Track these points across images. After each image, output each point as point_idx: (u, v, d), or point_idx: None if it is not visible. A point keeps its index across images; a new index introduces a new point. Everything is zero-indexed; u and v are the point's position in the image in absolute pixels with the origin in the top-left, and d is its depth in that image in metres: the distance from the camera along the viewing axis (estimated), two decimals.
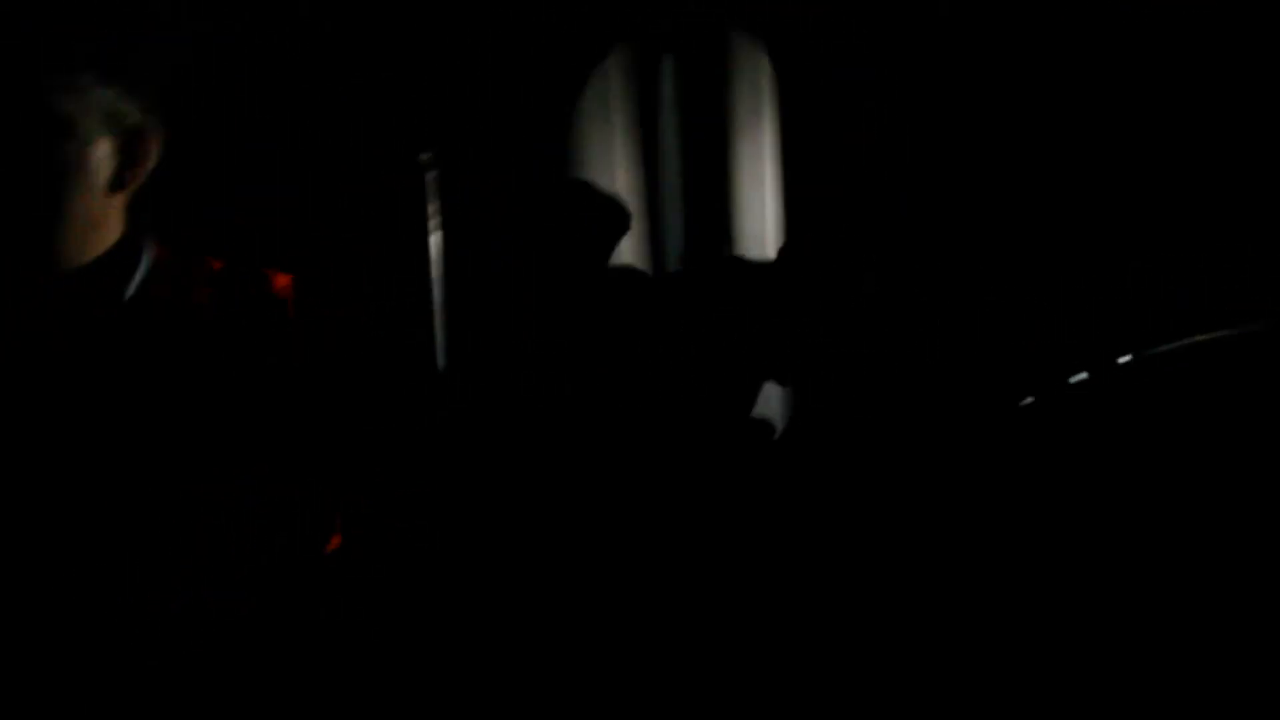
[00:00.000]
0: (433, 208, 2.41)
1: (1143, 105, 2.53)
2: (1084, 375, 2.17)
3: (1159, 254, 2.49)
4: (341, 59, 2.46)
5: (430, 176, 2.39)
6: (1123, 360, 2.17)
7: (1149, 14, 2.51)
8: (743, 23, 2.61)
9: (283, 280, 1.65)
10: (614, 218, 2.55)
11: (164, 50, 2.33)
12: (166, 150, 1.61)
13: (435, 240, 2.43)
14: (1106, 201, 2.53)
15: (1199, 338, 2.15)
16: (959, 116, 2.56)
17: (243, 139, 2.42)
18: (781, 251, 2.56)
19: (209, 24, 2.41)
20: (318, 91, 2.45)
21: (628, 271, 2.57)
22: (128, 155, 1.57)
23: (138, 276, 1.59)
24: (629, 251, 2.59)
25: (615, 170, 2.59)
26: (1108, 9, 2.53)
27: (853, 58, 2.57)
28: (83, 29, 1.58)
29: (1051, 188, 2.54)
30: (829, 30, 2.57)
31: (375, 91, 2.46)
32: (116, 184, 1.57)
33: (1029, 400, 2.18)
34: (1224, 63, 2.51)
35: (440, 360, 2.43)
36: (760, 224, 2.63)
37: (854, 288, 2.50)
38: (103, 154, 1.55)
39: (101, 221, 1.57)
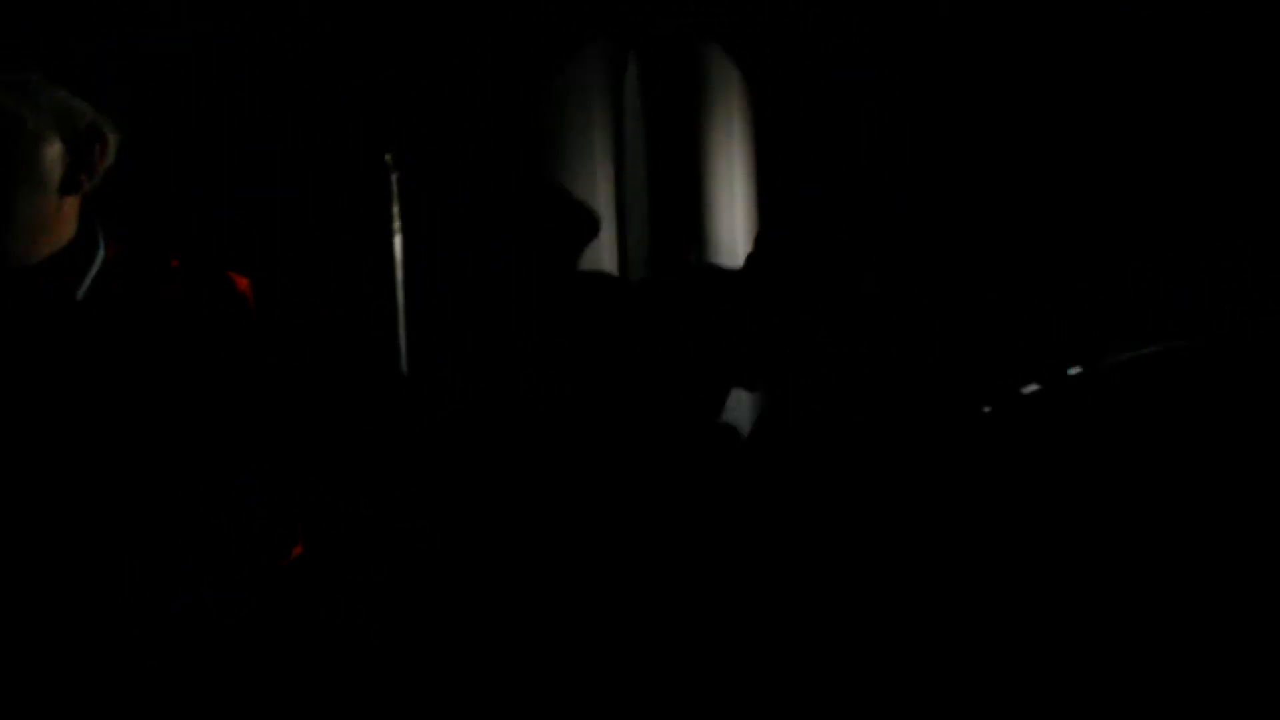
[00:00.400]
0: (399, 208, 2.41)
1: (1143, 105, 2.53)
2: (1034, 387, 2.20)
3: (1159, 254, 2.49)
4: (341, 59, 2.46)
5: (395, 177, 2.39)
6: (1072, 372, 2.18)
7: (1149, 14, 2.51)
8: (742, 23, 2.62)
9: (243, 282, 1.63)
10: (585, 220, 2.55)
11: (164, 50, 2.33)
12: (124, 153, 1.58)
13: (399, 241, 2.43)
14: (1106, 201, 2.53)
15: (1148, 349, 2.17)
16: (959, 116, 2.56)
17: (241, 139, 2.42)
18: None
19: (209, 24, 2.41)
20: (316, 91, 2.45)
21: (599, 274, 2.57)
22: (81, 157, 1.54)
23: (90, 276, 1.57)
24: (601, 253, 2.59)
25: (588, 174, 2.59)
26: (1108, 9, 2.53)
27: (853, 58, 2.57)
28: (83, 29, 1.58)
29: (1051, 187, 2.54)
30: (829, 30, 2.57)
31: (371, 92, 2.46)
32: (69, 186, 1.54)
33: (987, 410, 2.20)
34: (1224, 63, 2.51)
35: (405, 361, 2.42)
36: (732, 227, 2.63)
37: (854, 288, 2.50)
38: (54, 154, 1.52)
39: (54, 222, 1.55)
